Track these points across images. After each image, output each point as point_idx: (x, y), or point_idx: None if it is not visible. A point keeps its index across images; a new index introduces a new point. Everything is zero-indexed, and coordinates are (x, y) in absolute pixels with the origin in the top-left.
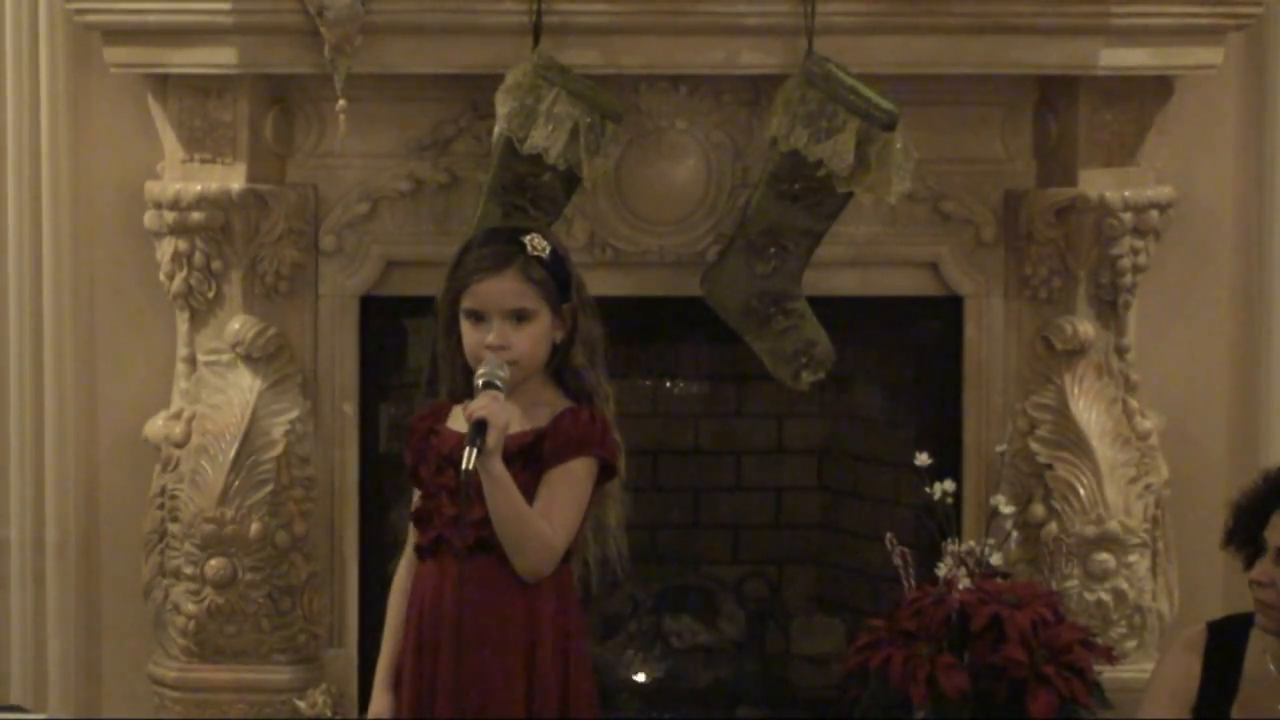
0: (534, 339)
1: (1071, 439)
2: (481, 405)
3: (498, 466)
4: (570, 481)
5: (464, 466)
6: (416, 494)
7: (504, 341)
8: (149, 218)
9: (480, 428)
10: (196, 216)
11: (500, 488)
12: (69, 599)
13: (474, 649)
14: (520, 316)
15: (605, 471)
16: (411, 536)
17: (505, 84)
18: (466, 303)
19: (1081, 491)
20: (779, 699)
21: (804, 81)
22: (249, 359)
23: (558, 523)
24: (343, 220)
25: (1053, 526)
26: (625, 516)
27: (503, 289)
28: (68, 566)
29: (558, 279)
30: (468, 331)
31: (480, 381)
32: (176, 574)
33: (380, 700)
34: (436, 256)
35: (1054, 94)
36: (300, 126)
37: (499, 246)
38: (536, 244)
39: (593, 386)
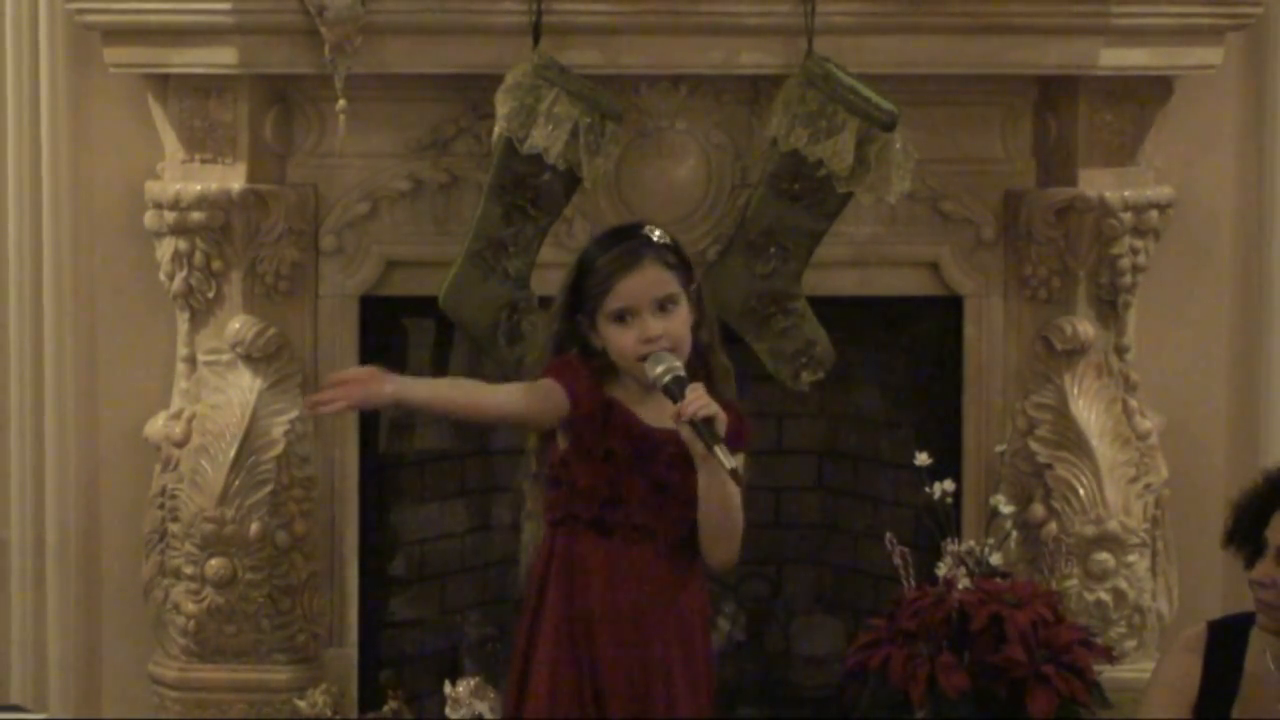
0: (683, 322)
1: (1071, 439)
2: (702, 402)
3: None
4: None
5: (732, 467)
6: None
7: (659, 331)
8: (149, 218)
9: (710, 423)
10: (196, 216)
11: (729, 481)
12: (69, 599)
13: (654, 640)
14: (665, 305)
15: None
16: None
17: (505, 84)
18: (612, 305)
19: (1081, 491)
20: (779, 699)
21: (804, 81)
22: (249, 359)
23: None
24: (343, 220)
25: (1052, 526)
26: None
27: (646, 280)
28: (68, 566)
29: (684, 262)
30: (616, 335)
31: (667, 379)
32: (176, 574)
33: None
34: (436, 256)
35: (1054, 94)
36: (300, 126)
37: (626, 244)
38: (658, 233)
39: (720, 366)
